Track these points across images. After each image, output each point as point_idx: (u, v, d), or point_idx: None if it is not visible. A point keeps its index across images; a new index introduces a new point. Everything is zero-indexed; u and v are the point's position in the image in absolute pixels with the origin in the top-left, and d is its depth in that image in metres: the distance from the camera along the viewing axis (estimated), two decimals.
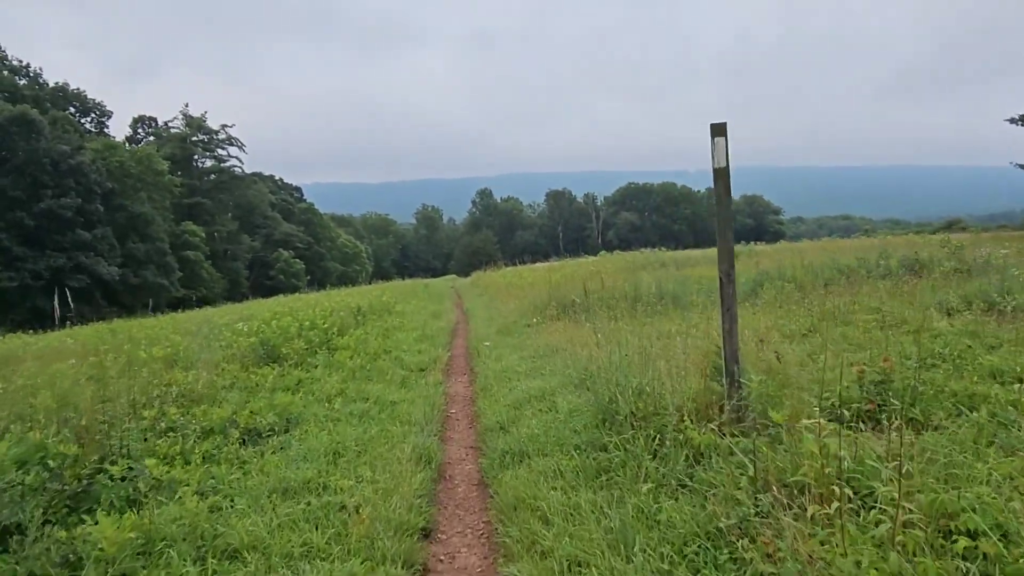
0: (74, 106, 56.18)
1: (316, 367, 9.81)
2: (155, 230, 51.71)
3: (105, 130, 58.05)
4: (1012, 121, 26.89)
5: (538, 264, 38.96)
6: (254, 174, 73.45)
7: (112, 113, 58.35)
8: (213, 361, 9.20)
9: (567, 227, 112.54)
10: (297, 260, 70.34)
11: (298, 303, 21.33)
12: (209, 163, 68.21)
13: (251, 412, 6.28)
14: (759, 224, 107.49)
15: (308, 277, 71.13)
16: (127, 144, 59.01)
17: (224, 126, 67.48)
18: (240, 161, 68.39)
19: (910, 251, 16.03)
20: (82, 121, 56.70)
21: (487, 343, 10.87)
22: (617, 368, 5.88)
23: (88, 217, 46.71)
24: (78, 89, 56.20)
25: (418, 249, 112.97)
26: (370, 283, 52.99)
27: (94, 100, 57.43)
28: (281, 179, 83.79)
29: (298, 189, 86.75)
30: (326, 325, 11.57)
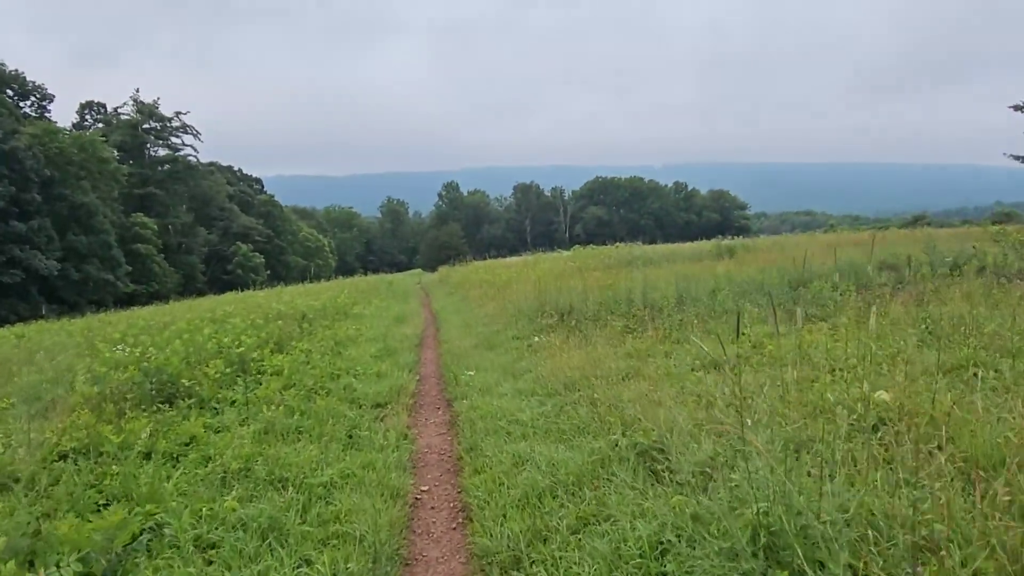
0: (12, 88, 51.33)
1: (233, 403, 6.86)
2: (99, 222, 47.48)
3: (46, 115, 53.28)
4: (1017, 108, 24.89)
5: (511, 259, 36.13)
6: (210, 164, 69.06)
7: (54, 97, 53.58)
8: (68, 405, 6.16)
9: (535, 221, 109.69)
10: (256, 254, 66.29)
11: (242, 304, 18.20)
12: (162, 152, 63.71)
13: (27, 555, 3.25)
14: (725, 219, 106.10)
15: (268, 272, 67.20)
16: (72, 131, 54.37)
17: (178, 113, 63.02)
18: (195, 150, 64.01)
19: (955, 246, 13.63)
20: (20, 105, 51.93)
21: (470, 372, 7.92)
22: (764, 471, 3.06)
23: (24, 207, 42.46)
24: (16, 71, 51.41)
25: (383, 243, 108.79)
26: (330, 279, 49.54)
27: (34, 82, 52.61)
28: (240, 170, 79.32)
29: (258, 180, 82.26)
30: (240, 349, 8.36)
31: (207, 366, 7.72)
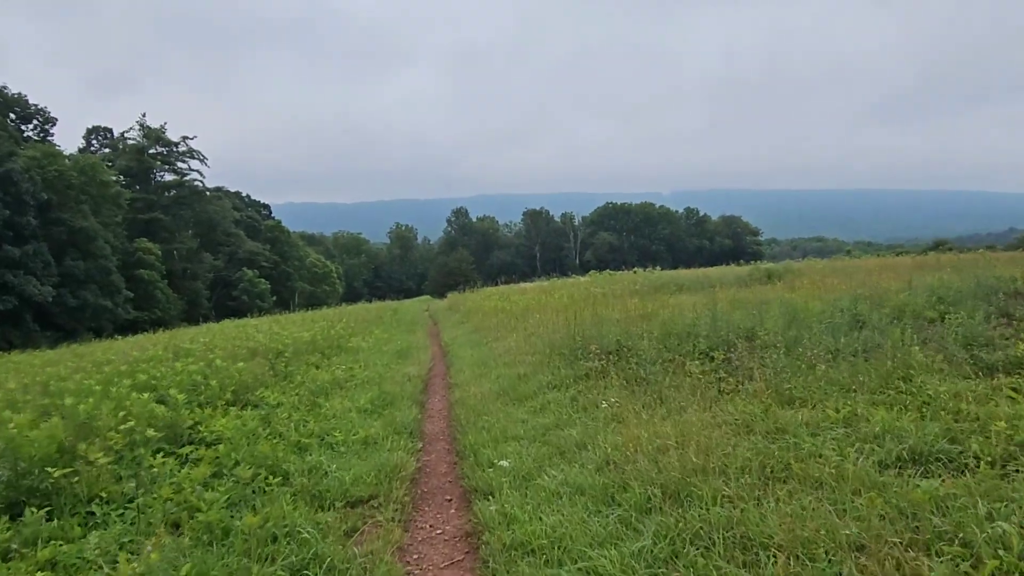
0: (14, 111, 49.73)
1: (132, 501, 4.27)
2: (99, 246, 45.23)
3: (49, 138, 51.50)
4: None
5: (525, 284, 33.51)
6: (217, 189, 67.14)
7: (56, 120, 51.82)
8: None
9: (544, 247, 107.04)
10: (262, 280, 63.96)
11: (223, 335, 15.70)
12: (169, 177, 61.80)
13: None
14: (737, 245, 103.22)
15: (274, 298, 64.91)
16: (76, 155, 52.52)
17: (185, 138, 61.22)
18: (201, 175, 62.10)
19: None
20: (23, 128, 50.29)
21: (504, 462, 5.12)
22: None
23: (19, 231, 40.29)
24: (19, 94, 49.78)
25: (391, 269, 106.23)
26: (337, 305, 47.01)
27: (36, 106, 50.97)
28: (248, 195, 77.43)
29: (266, 206, 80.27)
30: (127, 423, 5.49)
31: (112, 436, 5.12)
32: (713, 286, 19.84)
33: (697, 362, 6.96)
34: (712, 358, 7.05)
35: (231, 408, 6.89)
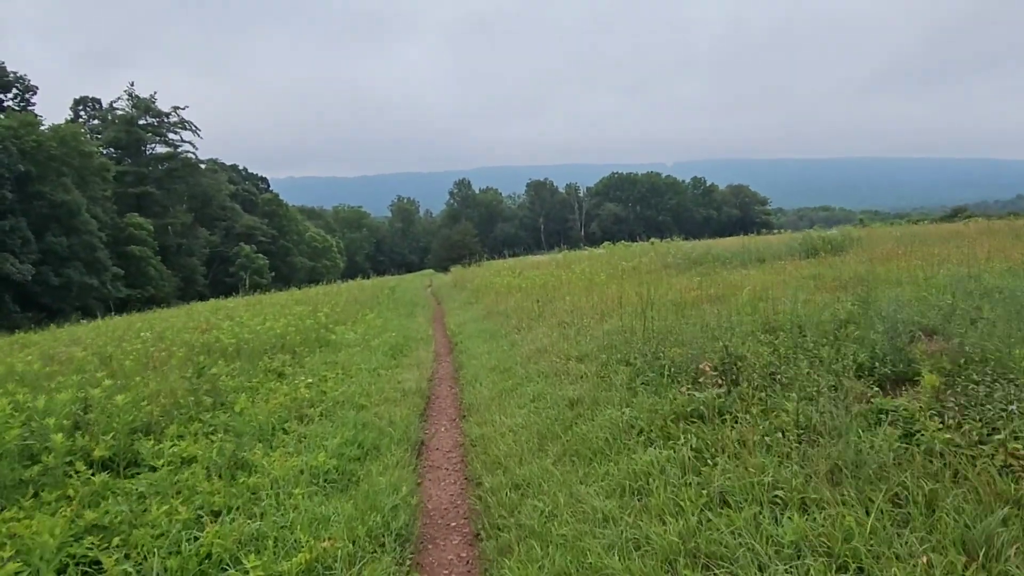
0: None
1: None
2: (83, 221, 42.07)
3: (30, 107, 48.05)
4: None
5: (535, 258, 30.40)
6: (211, 161, 63.74)
7: (37, 89, 48.26)
8: None
9: (549, 219, 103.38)
10: (260, 255, 60.88)
11: (175, 323, 12.76)
12: (160, 149, 58.38)
13: None
14: (745, 215, 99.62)
15: (272, 273, 61.93)
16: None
17: (176, 108, 57.63)
18: (194, 147, 58.63)
19: None
20: (1, 97, 46.89)
21: None
22: None
23: None
24: None
25: (393, 243, 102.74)
26: (336, 281, 44.06)
27: (16, 73, 47.44)
28: (245, 168, 73.94)
29: (263, 179, 76.77)
30: None
31: None
32: (762, 259, 16.77)
33: (889, 392, 3.94)
34: (913, 380, 4.03)
35: (95, 478, 3.92)
